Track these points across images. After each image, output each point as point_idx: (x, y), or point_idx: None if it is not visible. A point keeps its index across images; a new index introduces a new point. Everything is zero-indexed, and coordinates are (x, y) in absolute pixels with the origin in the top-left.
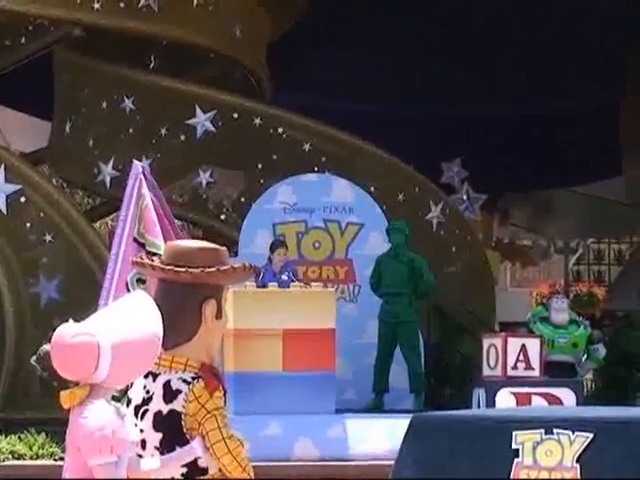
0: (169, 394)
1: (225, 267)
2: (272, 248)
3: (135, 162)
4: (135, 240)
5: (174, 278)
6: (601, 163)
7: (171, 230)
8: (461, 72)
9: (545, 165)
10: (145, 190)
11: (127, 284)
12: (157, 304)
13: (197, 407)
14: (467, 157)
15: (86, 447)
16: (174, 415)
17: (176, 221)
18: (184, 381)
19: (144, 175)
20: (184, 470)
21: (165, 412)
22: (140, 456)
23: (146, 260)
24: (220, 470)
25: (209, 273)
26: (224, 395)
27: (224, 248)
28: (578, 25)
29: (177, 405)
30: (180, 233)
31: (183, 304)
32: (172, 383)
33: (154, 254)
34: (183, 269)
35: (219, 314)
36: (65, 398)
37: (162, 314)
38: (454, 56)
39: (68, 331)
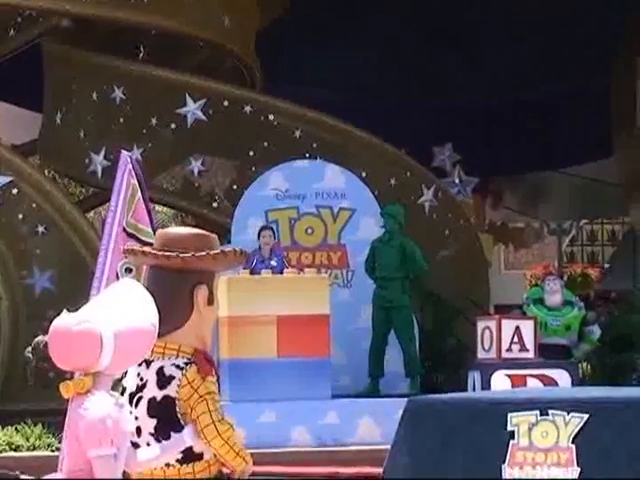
0: (162, 380)
1: (215, 251)
2: (259, 233)
3: (123, 152)
4: (124, 230)
5: (165, 264)
6: (592, 145)
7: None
8: (452, 60)
9: (536, 148)
10: (134, 180)
11: (117, 273)
12: (149, 291)
13: (190, 392)
14: (458, 141)
15: (86, 438)
16: (168, 401)
17: (165, 210)
18: (177, 367)
19: (132, 164)
20: (179, 456)
21: (159, 398)
22: (136, 444)
23: (137, 247)
24: (215, 455)
25: (199, 257)
26: (217, 380)
27: (214, 235)
28: (565, 10)
29: (171, 391)
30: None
31: (174, 290)
32: (165, 369)
33: (149, 243)
34: (174, 254)
35: (211, 300)
36: (69, 387)
37: (154, 301)
38: (444, 44)
39: (70, 320)
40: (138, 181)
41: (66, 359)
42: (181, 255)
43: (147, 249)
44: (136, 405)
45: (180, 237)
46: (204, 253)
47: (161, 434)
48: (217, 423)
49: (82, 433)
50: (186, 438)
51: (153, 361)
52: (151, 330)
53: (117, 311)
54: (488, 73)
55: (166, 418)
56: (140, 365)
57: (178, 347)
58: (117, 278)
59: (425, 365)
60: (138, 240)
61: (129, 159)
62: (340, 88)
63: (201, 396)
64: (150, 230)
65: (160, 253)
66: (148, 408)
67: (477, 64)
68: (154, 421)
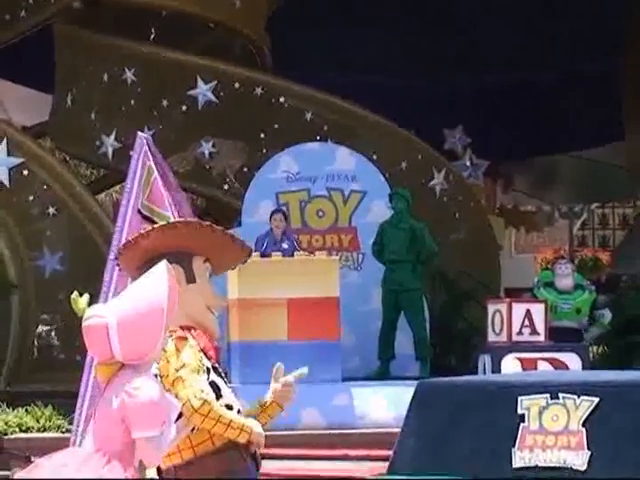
0: None
1: (157, 225)
2: (270, 216)
3: (139, 134)
4: (139, 212)
5: (133, 249)
6: (604, 128)
7: (181, 201)
8: (461, 40)
9: (548, 131)
10: (151, 162)
11: None
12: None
13: (167, 367)
14: (469, 124)
15: (136, 419)
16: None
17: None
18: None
19: (149, 146)
20: None
21: None
22: None
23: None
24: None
25: (146, 233)
26: (203, 352)
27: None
28: None
29: (154, 368)
30: (185, 204)
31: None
32: None
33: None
34: (132, 239)
35: (190, 279)
36: (99, 372)
37: None
38: (452, 25)
39: (86, 314)
40: (157, 163)
41: (90, 351)
42: (143, 232)
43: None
44: None
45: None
46: (158, 226)
47: None
48: (191, 399)
49: (132, 414)
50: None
51: None
52: (156, 311)
53: (125, 298)
54: (498, 54)
55: None
56: None
57: (170, 329)
58: None
59: (435, 348)
60: (153, 222)
61: (145, 141)
62: (349, 70)
63: (176, 370)
64: (167, 213)
65: (132, 236)
66: None
67: (487, 45)
68: None
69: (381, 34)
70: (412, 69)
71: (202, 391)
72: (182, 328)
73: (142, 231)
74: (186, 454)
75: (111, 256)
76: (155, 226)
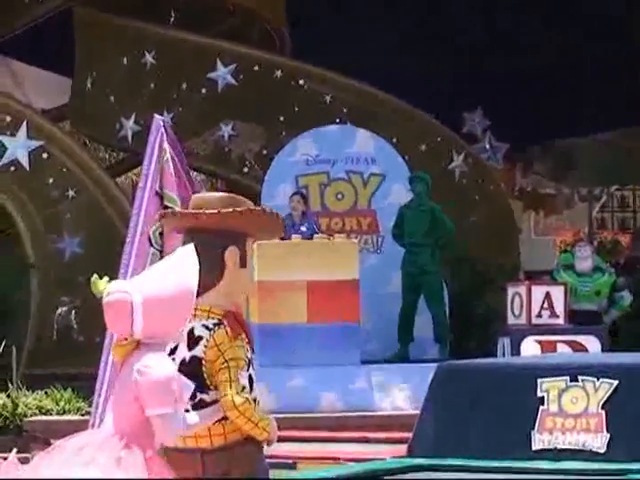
0: (192, 341)
1: (242, 208)
2: (289, 199)
3: (156, 116)
4: (157, 194)
5: (194, 224)
6: (623, 111)
7: (189, 185)
8: (481, 24)
9: (567, 114)
10: (166, 144)
11: (149, 238)
12: None
13: (216, 354)
14: (489, 106)
15: (149, 396)
16: (195, 361)
17: (195, 175)
18: (206, 327)
19: (165, 129)
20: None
21: (188, 358)
22: None
23: (167, 210)
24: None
25: (225, 215)
26: (248, 344)
27: (248, 200)
28: None
29: (198, 351)
30: (198, 188)
31: (205, 252)
32: (195, 330)
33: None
34: (200, 212)
35: (243, 262)
36: (115, 352)
37: None
38: (474, 7)
39: (108, 289)
40: (172, 146)
41: (110, 326)
42: (208, 212)
43: (174, 210)
44: None
45: (210, 199)
46: (230, 210)
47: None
48: (235, 396)
49: (145, 392)
50: (214, 399)
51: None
52: (185, 294)
53: (152, 277)
54: (519, 39)
55: (193, 379)
56: None
57: (209, 309)
58: (150, 242)
59: (455, 331)
60: (165, 205)
61: (162, 123)
62: (368, 54)
63: (226, 361)
64: (173, 195)
65: (187, 212)
66: (179, 369)
67: (509, 30)
68: None
69: (400, 17)
70: (432, 52)
71: (243, 388)
72: (226, 313)
73: (221, 211)
74: (217, 440)
75: (129, 238)
76: (237, 209)
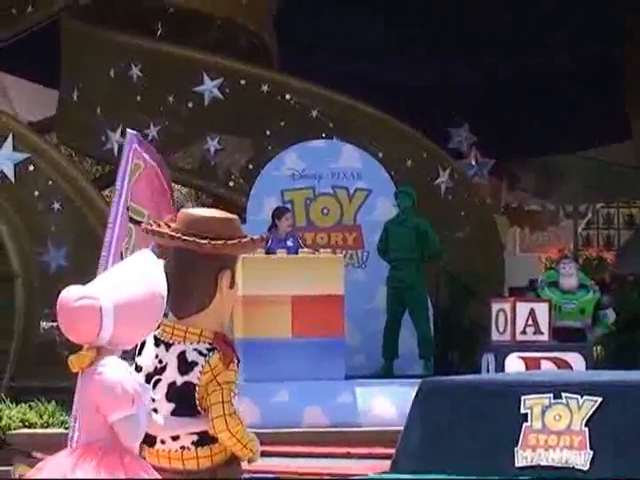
0: (184, 365)
1: (246, 239)
2: (278, 215)
3: (128, 131)
4: (128, 209)
5: (194, 249)
6: (609, 127)
7: (170, 197)
8: (469, 37)
9: (553, 130)
10: (140, 160)
11: (121, 253)
12: (171, 272)
13: (210, 378)
14: (475, 122)
15: (106, 402)
16: (189, 387)
17: (180, 188)
18: (200, 353)
19: (138, 143)
20: (196, 438)
21: (179, 383)
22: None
23: (165, 229)
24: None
25: (231, 245)
26: (237, 365)
27: (236, 217)
28: None
29: (193, 377)
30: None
31: (199, 274)
32: (187, 354)
33: (138, 222)
34: (205, 241)
35: (232, 283)
36: (74, 361)
37: (176, 282)
38: (460, 21)
39: (71, 295)
40: (153, 159)
41: (70, 333)
42: (213, 243)
43: (174, 232)
44: (154, 387)
45: (207, 221)
46: (236, 241)
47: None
48: (228, 417)
49: (101, 398)
50: (203, 422)
51: (173, 344)
52: (157, 301)
53: (122, 283)
54: (506, 53)
55: (184, 403)
56: (158, 346)
57: (200, 332)
58: (121, 257)
59: (439, 346)
60: (131, 219)
61: (135, 139)
62: (356, 67)
63: (219, 384)
64: (141, 209)
65: (191, 239)
66: (167, 392)
67: (496, 44)
68: (172, 405)
69: (389, 32)
70: (419, 68)
71: (235, 411)
72: (216, 335)
73: (228, 242)
74: (203, 462)
75: (104, 252)
76: (242, 241)
